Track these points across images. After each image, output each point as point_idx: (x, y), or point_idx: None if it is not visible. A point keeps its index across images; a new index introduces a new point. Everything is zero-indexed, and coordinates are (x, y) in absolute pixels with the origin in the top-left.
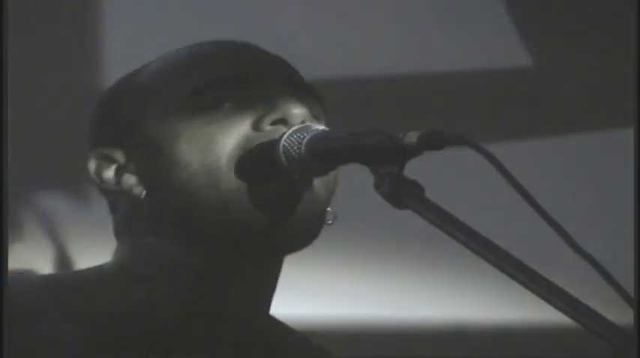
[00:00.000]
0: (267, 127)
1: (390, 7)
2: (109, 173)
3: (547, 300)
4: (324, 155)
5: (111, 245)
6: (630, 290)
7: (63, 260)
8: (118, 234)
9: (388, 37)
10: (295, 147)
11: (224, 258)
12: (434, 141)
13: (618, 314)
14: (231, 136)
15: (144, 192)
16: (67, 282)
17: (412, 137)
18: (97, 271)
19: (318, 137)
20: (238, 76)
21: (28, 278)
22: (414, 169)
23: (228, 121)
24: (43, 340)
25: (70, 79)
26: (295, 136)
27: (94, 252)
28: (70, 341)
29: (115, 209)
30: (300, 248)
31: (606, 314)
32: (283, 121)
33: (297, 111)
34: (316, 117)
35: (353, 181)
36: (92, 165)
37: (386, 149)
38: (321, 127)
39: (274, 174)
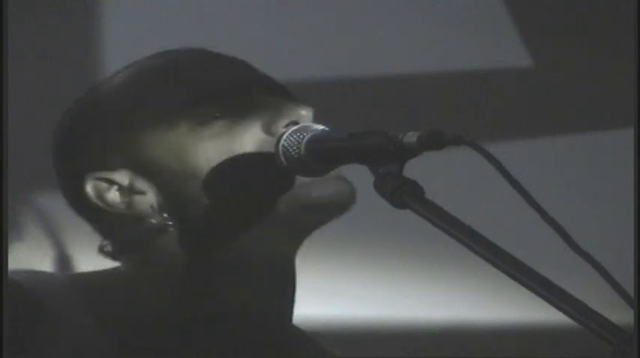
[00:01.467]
0: (281, 130)
1: (390, 7)
2: (112, 195)
3: (547, 300)
4: (323, 155)
5: None
6: (630, 290)
7: (63, 260)
8: (126, 249)
9: (388, 37)
10: (295, 147)
11: (259, 257)
12: (434, 141)
13: (618, 314)
14: (248, 143)
15: (169, 222)
16: (90, 282)
17: (412, 137)
18: (116, 273)
19: (318, 137)
20: (236, 82)
21: (47, 276)
22: (414, 169)
23: (239, 129)
24: (67, 339)
25: (70, 78)
26: (295, 136)
27: (94, 251)
28: (93, 341)
29: (114, 226)
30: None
31: (606, 314)
32: (295, 123)
33: (305, 113)
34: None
35: (353, 181)
36: (90, 191)
37: (386, 149)
38: (321, 127)
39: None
